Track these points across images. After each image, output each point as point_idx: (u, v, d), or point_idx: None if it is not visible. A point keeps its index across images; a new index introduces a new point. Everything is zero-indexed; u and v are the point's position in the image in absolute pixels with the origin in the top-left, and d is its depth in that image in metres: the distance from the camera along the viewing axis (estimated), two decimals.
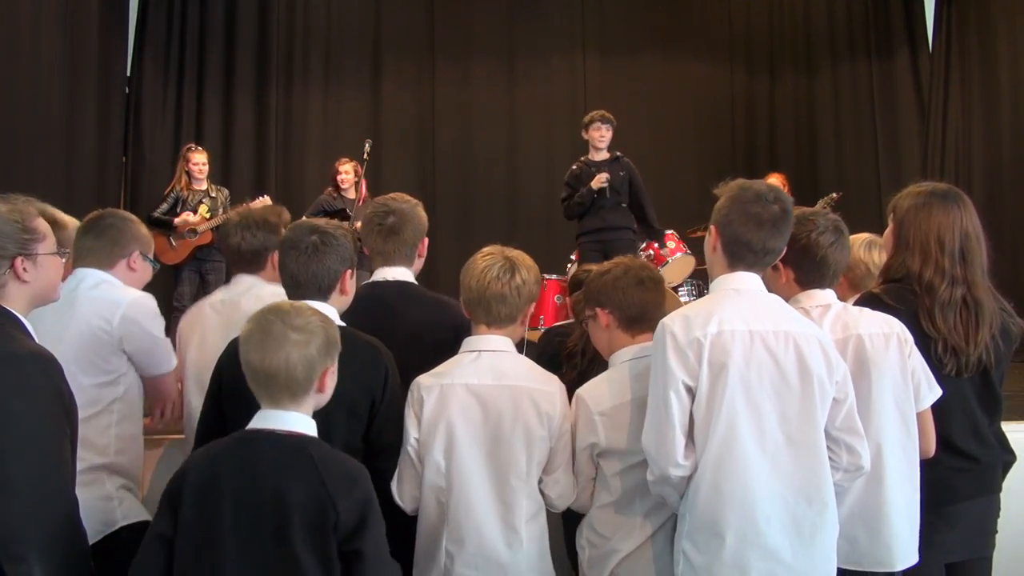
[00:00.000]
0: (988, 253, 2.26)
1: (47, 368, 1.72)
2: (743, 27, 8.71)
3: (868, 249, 2.57)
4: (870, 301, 2.20)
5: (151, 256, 2.55)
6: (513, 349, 2.12)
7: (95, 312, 2.30)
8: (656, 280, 2.20)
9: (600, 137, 5.64)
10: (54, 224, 2.75)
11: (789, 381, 1.87)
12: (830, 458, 1.92)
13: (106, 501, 2.26)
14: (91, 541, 2.17)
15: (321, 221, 2.22)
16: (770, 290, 2.05)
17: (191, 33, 7.65)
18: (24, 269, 1.82)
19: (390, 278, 2.42)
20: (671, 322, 1.92)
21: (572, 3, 8.43)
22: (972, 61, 7.07)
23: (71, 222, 2.61)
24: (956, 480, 2.19)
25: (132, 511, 2.31)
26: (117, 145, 7.11)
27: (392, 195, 2.52)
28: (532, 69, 8.34)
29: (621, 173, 5.64)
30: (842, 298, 2.27)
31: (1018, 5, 6.67)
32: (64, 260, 1.98)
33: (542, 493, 2.07)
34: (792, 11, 8.66)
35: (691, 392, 1.88)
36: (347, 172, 6.30)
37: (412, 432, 2.05)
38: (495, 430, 2.01)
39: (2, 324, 1.76)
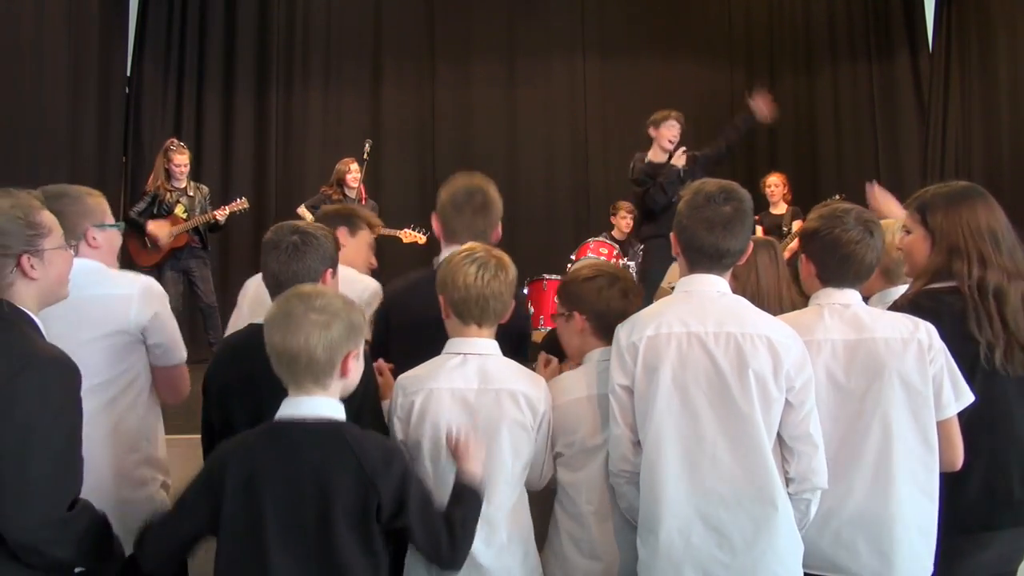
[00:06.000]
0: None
1: (65, 373, 1.71)
2: (743, 28, 8.69)
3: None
4: (905, 307, 2.09)
5: (108, 221, 2.36)
6: (499, 352, 2.09)
7: (106, 307, 2.19)
8: (637, 292, 2.24)
9: (671, 138, 5.48)
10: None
11: (728, 382, 1.87)
12: (783, 465, 1.91)
13: (150, 503, 2.25)
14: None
15: (304, 222, 2.23)
16: (796, 282, 2.05)
17: (191, 33, 7.64)
18: (31, 266, 1.77)
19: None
20: (621, 326, 1.99)
21: (572, 4, 8.41)
22: (972, 61, 7.06)
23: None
24: (996, 508, 2.06)
25: (167, 505, 2.35)
26: (117, 145, 7.09)
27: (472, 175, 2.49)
28: (532, 70, 8.32)
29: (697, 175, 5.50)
30: (870, 288, 2.20)
31: (1018, 5, 6.67)
32: (73, 253, 1.92)
33: None
34: (792, 12, 8.65)
35: (631, 393, 1.94)
36: (356, 171, 6.29)
37: (397, 435, 2.03)
38: (482, 435, 1.98)
39: (19, 325, 1.73)
